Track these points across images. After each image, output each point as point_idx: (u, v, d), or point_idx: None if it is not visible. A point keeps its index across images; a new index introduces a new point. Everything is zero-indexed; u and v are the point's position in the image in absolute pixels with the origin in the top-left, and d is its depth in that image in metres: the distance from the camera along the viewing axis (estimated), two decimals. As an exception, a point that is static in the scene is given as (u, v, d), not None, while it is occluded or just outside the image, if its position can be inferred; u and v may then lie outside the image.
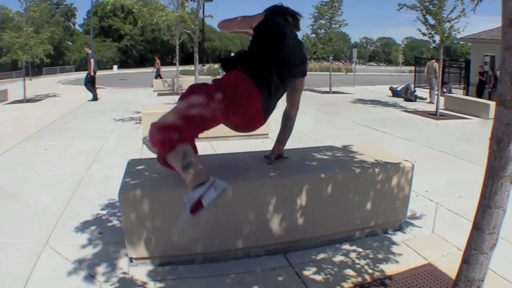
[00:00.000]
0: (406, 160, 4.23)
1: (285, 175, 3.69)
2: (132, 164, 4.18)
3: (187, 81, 22.49)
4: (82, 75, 47.38)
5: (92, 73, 17.89)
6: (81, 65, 67.71)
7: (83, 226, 4.45)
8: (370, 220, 4.03)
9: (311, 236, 3.83)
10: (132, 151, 8.00)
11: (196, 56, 11.45)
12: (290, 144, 4.40)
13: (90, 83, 18.11)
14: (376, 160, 4.14)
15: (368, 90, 24.56)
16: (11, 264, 3.67)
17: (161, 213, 3.45)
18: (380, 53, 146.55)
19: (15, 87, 22.26)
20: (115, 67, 63.47)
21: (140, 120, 11.48)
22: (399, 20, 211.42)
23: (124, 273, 3.52)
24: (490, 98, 17.17)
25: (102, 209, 4.92)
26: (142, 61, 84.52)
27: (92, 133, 9.97)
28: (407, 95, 17.85)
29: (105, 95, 21.13)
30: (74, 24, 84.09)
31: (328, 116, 12.72)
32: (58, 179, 6.24)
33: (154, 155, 3.08)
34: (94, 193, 5.53)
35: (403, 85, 19.06)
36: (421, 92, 20.30)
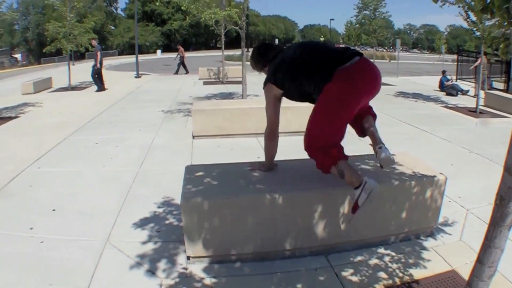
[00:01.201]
0: (441, 174, 4.48)
1: (331, 186, 4.04)
2: (190, 170, 4.57)
3: (232, 70, 22.93)
4: (125, 59, 49.54)
5: (98, 65, 18.50)
6: (124, 50, 69.39)
7: (141, 224, 4.84)
8: (404, 226, 4.43)
9: (350, 239, 4.24)
10: (183, 147, 8.42)
11: (244, 50, 11.84)
12: None
13: (97, 75, 18.69)
14: (413, 172, 4.48)
15: (410, 81, 24.29)
16: (75, 261, 4.07)
17: (218, 217, 3.90)
18: (424, 40, 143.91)
19: (58, 72, 23.16)
20: (158, 51, 64.64)
21: (189, 112, 11.94)
22: (443, 7, 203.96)
23: (184, 268, 3.92)
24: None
25: (159, 207, 5.30)
26: (186, 45, 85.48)
27: (142, 126, 10.46)
28: (449, 89, 17.68)
29: (151, 83, 21.88)
30: (116, 9, 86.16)
31: None
32: (113, 175, 6.69)
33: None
34: (149, 191, 5.92)
35: (451, 83, 18.56)
36: (463, 84, 20.08)
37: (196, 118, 8.99)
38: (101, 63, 18.57)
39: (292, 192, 3.97)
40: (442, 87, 18.55)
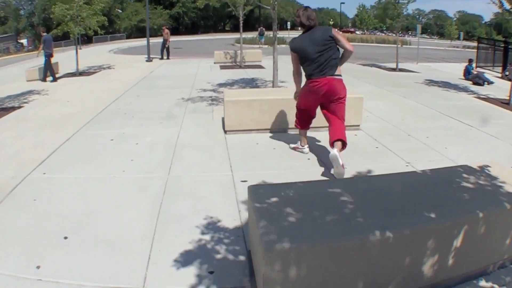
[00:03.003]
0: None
1: (445, 217, 3.22)
2: (256, 194, 3.39)
3: (250, 54, 21.59)
4: (134, 43, 48.30)
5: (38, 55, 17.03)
6: (132, 33, 68.12)
7: (186, 260, 3.59)
8: (505, 253, 3.76)
9: (452, 275, 3.47)
10: (216, 145, 7.13)
11: (275, 32, 10.59)
12: (388, 136, 6.61)
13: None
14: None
15: (432, 68, 23.03)
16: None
17: (310, 265, 2.78)
18: (433, 25, 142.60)
19: (65, 57, 22.05)
20: (167, 34, 62.99)
21: (213, 101, 10.65)
22: None
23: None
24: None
25: (203, 232, 4.04)
26: (194, 28, 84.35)
27: (162, 117, 9.18)
28: (476, 79, 16.76)
29: (164, 67, 20.51)
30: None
31: (407, 101, 11.57)
32: (137, 184, 5.41)
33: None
34: (185, 207, 4.66)
35: (476, 73, 17.59)
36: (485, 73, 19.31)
37: (229, 110, 7.66)
38: (49, 54, 16.35)
39: (408, 227, 3.03)
40: (467, 75, 17.77)
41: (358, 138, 7.56)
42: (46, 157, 6.46)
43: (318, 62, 5.58)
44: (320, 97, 5.76)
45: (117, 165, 6.12)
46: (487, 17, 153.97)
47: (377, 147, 7.04)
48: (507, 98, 11.84)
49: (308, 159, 6.45)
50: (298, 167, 6.05)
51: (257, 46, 37.55)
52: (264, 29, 42.52)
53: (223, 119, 8.37)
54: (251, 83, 14.46)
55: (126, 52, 34.01)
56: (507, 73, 19.41)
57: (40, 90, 13.55)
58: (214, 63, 21.39)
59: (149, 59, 23.57)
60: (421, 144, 7.29)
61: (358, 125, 8.11)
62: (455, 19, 70.72)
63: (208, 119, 8.94)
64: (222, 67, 19.79)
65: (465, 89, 14.74)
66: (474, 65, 18.67)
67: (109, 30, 63.41)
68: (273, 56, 10.54)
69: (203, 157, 6.48)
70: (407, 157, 6.43)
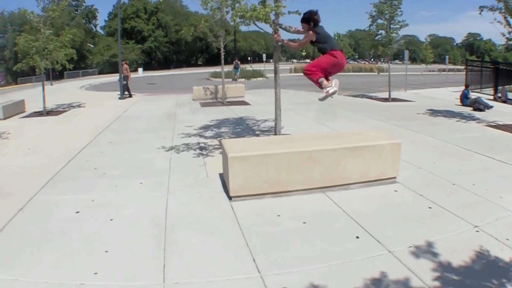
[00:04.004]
0: None
1: None
2: None
3: (232, 89, 19.79)
4: (106, 79, 45.96)
5: None
6: (104, 68, 66.17)
7: None
8: None
9: None
10: (221, 221, 5.16)
11: (277, 65, 8.36)
12: (432, 189, 6.11)
13: None
14: None
15: (422, 95, 22.24)
16: None
17: None
18: (400, 51, 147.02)
19: (34, 93, 20.08)
20: (140, 69, 60.85)
21: (201, 150, 8.75)
22: (419, 17, 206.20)
23: None
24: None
25: None
26: (166, 63, 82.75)
27: (142, 174, 7.17)
28: (476, 104, 16.27)
29: (138, 105, 18.44)
30: (95, 26, 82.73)
31: (423, 137, 10.31)
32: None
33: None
34: None
35: (474, 99, 17.08)
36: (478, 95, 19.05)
37: (236, 169, 5.70)
38: None
39: None
40: (465, 101, 17.33)
41: (402, 195, 6.04)
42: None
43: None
44: (340, 62, 6.37)
45: (84, 261, 4.10)
46: (459, 39, 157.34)
47: (430, 207, 5.59)
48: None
49: (357, 237, 4.61)
50: (350, 251, 4.34)
51: (231, 80, 35.53)
52: (239, 62, 40.82)
53: (221, 175, 6.53)
54: (241, 123, 12.49)
55: (98, 89, 31.76)
56: (499, 94, 19.30)
57: (1, 133, 11.52)
58: (193, 99, 19.41)
59: (122, 97, 21.45)
60: (473, 195, 6.08)
61: (395, 177, 6.60)
62: (426, 42, 71.11)
63: (201, 176, 6.96)
64: (203, 104, 17.81)
65: (471, 117, 13.91)
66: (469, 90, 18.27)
67: (81, 65, 61.58)
68: (275, 93, 8.21)
69: (208, 244, 4.49)
70: (469, 218, 5.19)
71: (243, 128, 11.69)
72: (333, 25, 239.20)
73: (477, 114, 14.69)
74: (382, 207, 5.62)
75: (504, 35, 12.00)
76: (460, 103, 17.49)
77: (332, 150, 6.10)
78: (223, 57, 17.98)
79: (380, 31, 19.19)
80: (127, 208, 5.53)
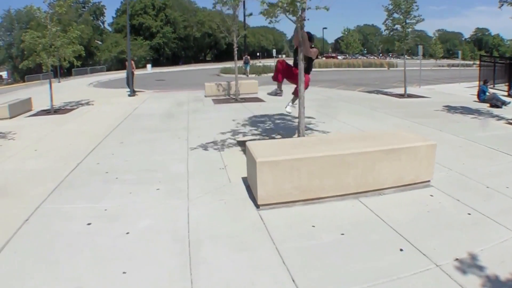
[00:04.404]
0: None
1: None
2: None
3: (245, 85, 19.14)
4: (114, 75, 45.51)
5: None
6: (112, 65, 65.90)
7: None
8: None
9: None
10: (249, 231, 4.58)
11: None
12: (467, 193, 5.60)
13: None
14: None
15: (437, 91, 21.75)
16: None
17: None
18: (413, 46, 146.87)
19: (42, 91, 19.57)
20: (148, 66, 60.50)
21: (219, 150, 8.22)
22: (428, 11, 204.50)
23: None
24: None
25: None
26: (175, 59, 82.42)
27: (158, 180, 6.56)
28: (493, 101, 15.95)
29: (149, 102, 17.85)
30: (103, 23, 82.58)
31: (446, 135, 9.75)
32: None
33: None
34: None
35: (492, 95, 16.75)
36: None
37: (265, 176, 5.08)
38: None
39: None
40: (482, 97, 16.93)
41: (439, 201, 5.54)
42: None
43: None
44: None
45: (98, 285, 3.50)
46: (467, 34, 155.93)
47: (469, 214, 5.16)
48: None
49: (401, 249, 4.04)
50: (396, 265, 3.85)
51: (244, 75, 34.97)
52: (249, 57, 40.14)
53: (244, 180, 5.96)
54: (258, 122, 11.80)
55: (107, 85, 31.22)
56: None
57: (6, 133, 10.99)
58: (205, 96, 18.84)
59: (131, 93, 20.91)
60: (509, 199, 5.66)
61: (429, 181, 6.08)
62: (434, 37, 70.71)
63: (223, 181, 6.35)
64: (216, 101, 17.16)
65: (490, 114, 13.57)
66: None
67: (89, 62, 61.29)
68: (298, 90, 7.48)
69: (240, 263, 3.89)
70: (509, 224, 4.78)
71: (261, 126, 11.02)
72: (342, 20, 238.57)
73: (495, 111, 14.37)
74: (421, 214, 5.10)
75: None
76: (477, 99, 17.10)
77: (367, 153, 5.51)
78: (236, 52, 17.37)
79: (396, 26, 18.53)
80: (144, 219, 4.94)
